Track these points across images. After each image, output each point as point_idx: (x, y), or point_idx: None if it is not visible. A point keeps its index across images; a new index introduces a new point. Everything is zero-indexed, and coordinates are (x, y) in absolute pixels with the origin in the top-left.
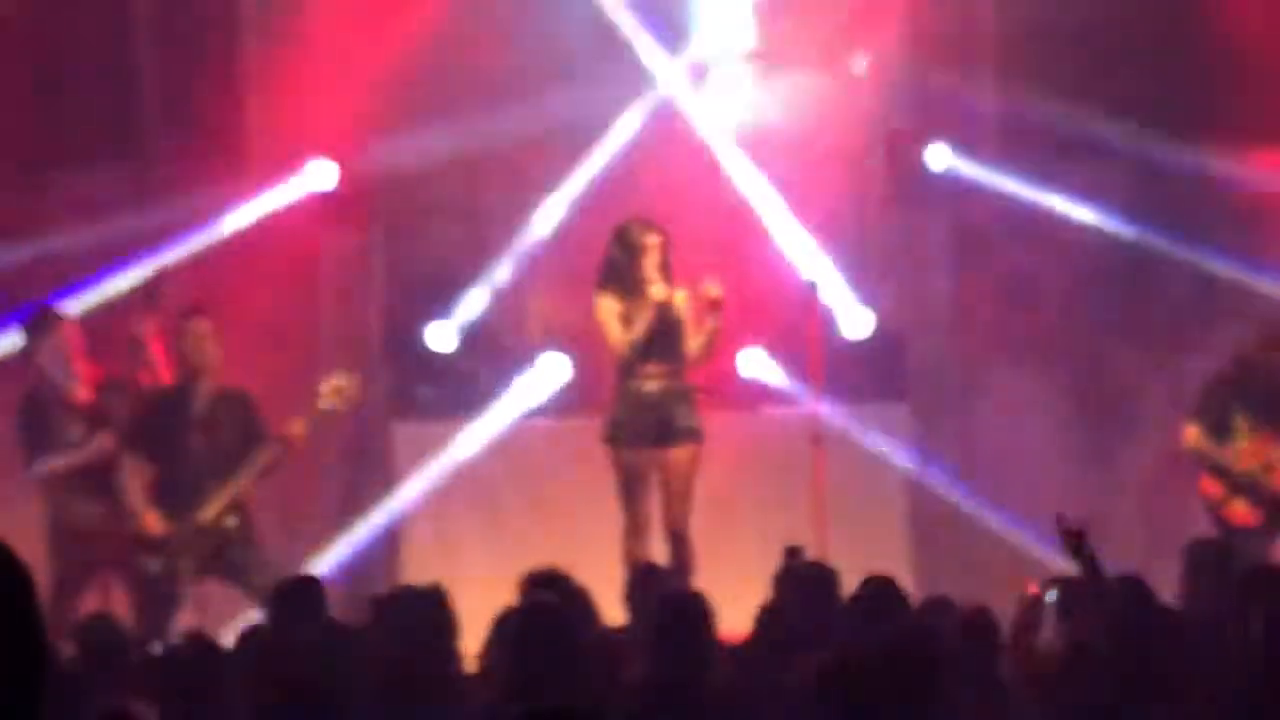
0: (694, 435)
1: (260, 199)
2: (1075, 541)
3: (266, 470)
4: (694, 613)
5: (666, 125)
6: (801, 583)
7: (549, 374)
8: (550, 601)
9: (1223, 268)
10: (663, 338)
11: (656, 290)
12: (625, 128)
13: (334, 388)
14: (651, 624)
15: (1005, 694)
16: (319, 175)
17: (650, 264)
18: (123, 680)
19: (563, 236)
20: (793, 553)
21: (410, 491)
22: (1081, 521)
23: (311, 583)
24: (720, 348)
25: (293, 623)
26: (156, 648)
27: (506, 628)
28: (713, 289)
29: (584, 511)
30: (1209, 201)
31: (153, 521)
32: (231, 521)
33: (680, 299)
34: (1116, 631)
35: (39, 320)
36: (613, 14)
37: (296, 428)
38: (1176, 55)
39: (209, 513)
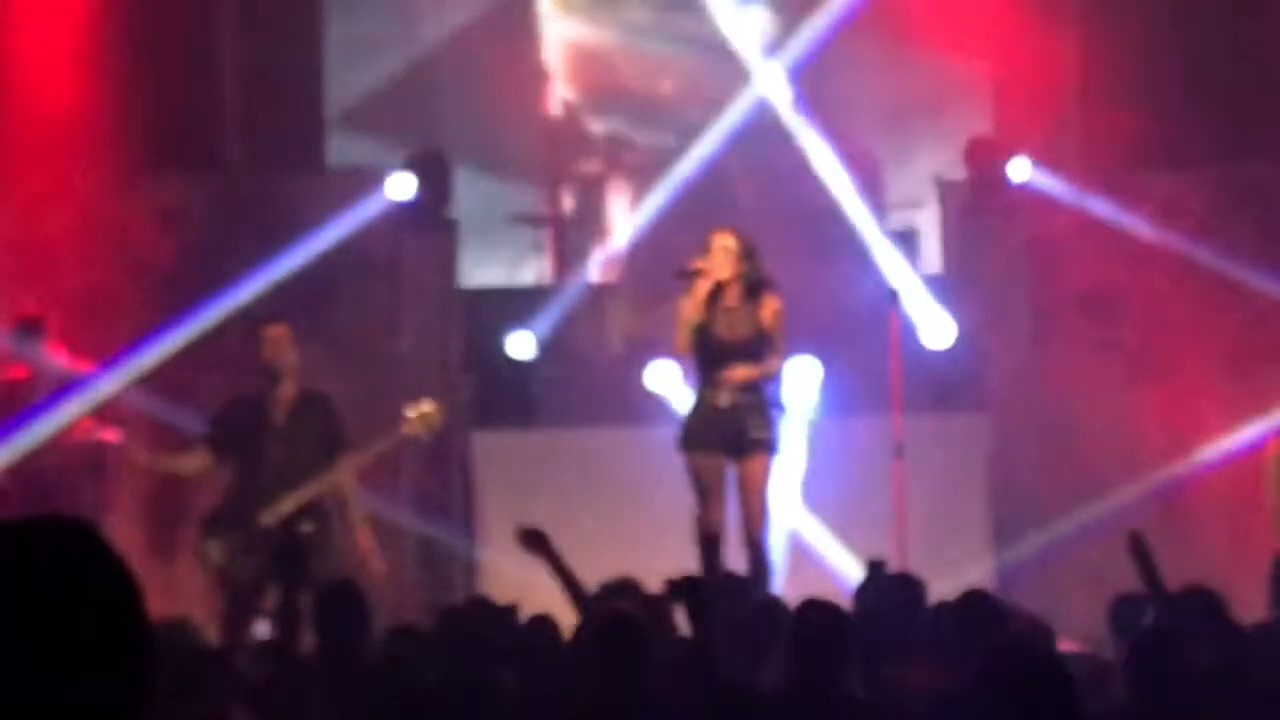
0: (767, 446)
1: (341, 210)
2: (1136, 544)
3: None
4: (770, 618)
5: (754, 131)
6: (888, 594)
7: (656, 382)
8: (631, 612)
9: None
10: (738, 347)
11: (702, 263)
12: (716, 133)
13: (421, 414)
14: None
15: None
16: (398, 186)
17: (709, 259)
18: (203, 685)
19: (645, 243)
20: (875, 566)
21: (489, 499)
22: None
23: (351, 588)
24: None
25: (334, 631)
26: (234, 652)
27: (587, 637)
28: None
29: (659, 519)
30: None
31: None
32: (307, 527)
33: (765, 311)
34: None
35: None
36: (714, 17)
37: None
38: (1257, 67)
39: (281, 513)
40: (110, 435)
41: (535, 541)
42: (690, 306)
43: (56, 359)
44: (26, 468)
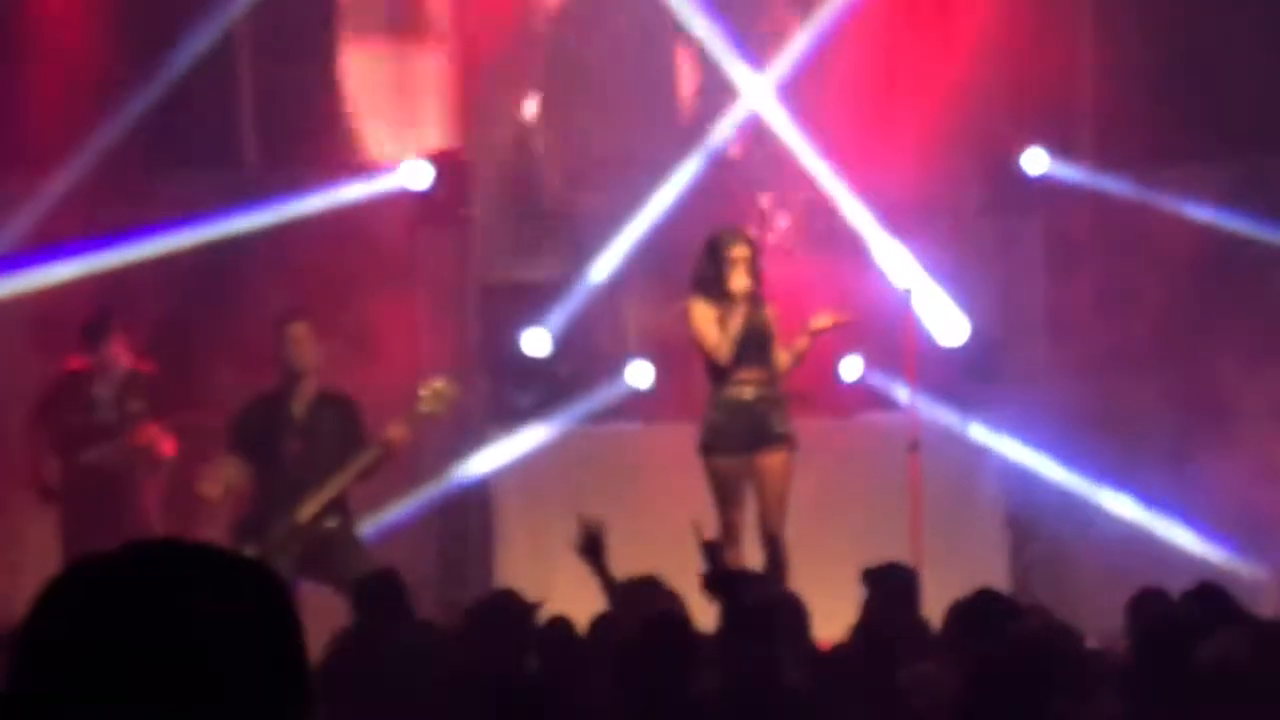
0: (788, 441)
1: (356, 202)
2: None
3: (366, 473)
4: (789, 615)
5: (761, 133)
6: (884, 589)
7: (637, 380)
8: (678, 612)
9: None
10: (756, 344)
11: (738, 282)
12: (720, 135)
13: (434, 391)
14: (740, 628)
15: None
16: (414, 175)
17: (738, 275)
18: None
19: (658, 241)
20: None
21: (505, 496)
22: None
23: (392, 576)
24: (804, 362)
25: (377, 619)
26: None
27: (620, 636)
28: (821, 320)
29: (676, 517)
30: None
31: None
32: (332, 523)
33: (769, 312)
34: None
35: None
36: (701, 29)
37: (397, 431)
38: (1273, 58)
39: (305, 513)
40: (169, 448)
41: (591, 549)
42: (735, 321)
43: (120, 358)
44: (89, 463)
